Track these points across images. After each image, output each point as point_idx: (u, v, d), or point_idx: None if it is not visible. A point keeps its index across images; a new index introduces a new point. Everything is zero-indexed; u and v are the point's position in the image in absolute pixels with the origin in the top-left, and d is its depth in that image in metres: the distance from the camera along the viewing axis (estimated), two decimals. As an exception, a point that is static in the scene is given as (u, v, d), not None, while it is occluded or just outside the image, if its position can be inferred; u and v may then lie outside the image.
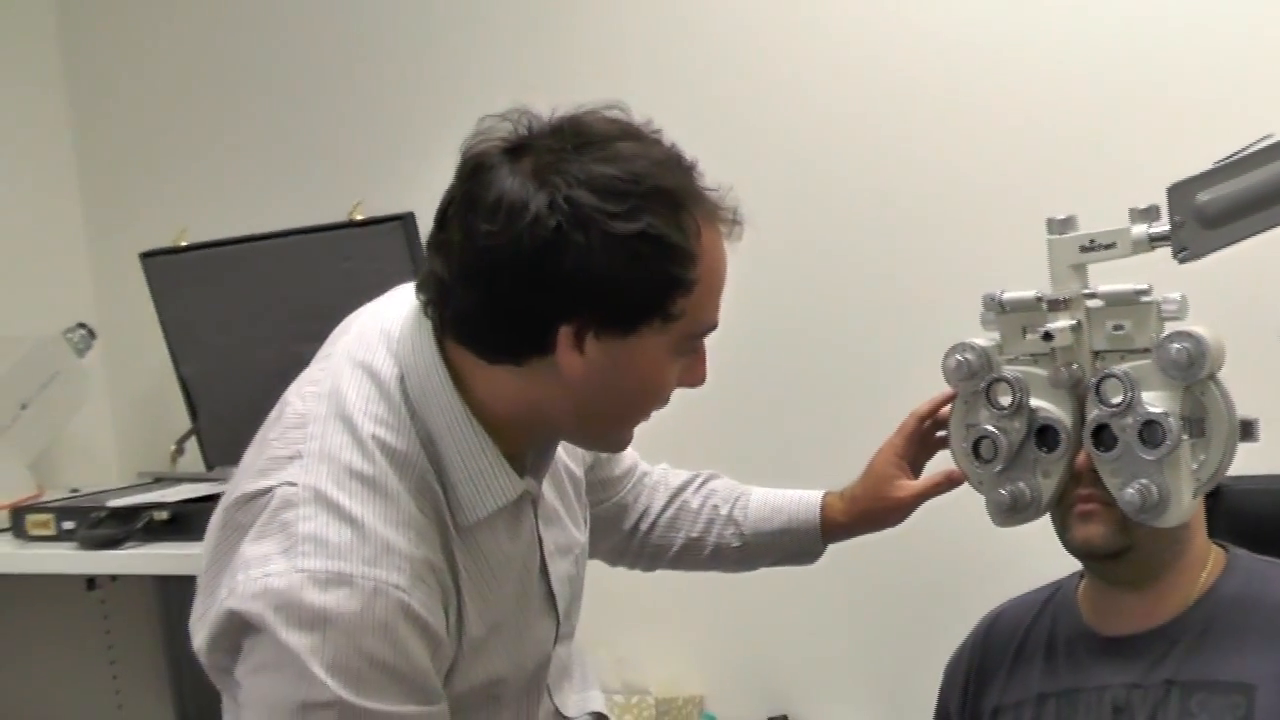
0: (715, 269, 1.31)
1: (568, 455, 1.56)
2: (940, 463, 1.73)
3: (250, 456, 1.38)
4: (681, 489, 1.80)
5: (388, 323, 1.39)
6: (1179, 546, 1.63)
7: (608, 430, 1.41)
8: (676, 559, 1.79)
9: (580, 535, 1.57)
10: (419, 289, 1.34)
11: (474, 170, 1.28)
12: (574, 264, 1.22)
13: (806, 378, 2.52)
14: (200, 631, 1.31)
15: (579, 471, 1.60)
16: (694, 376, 1.38)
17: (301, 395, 1.37)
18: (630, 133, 1.29)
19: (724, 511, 1.77)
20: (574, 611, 1.59)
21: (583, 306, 1.25)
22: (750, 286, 2.41)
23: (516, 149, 1.27)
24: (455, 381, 1.33)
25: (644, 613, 2.49)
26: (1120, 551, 1.60)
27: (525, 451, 1.41)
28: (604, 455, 1.69)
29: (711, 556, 1.78)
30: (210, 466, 2.88)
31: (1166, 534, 1.58)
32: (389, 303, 1.44)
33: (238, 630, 1.25)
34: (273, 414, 1.40)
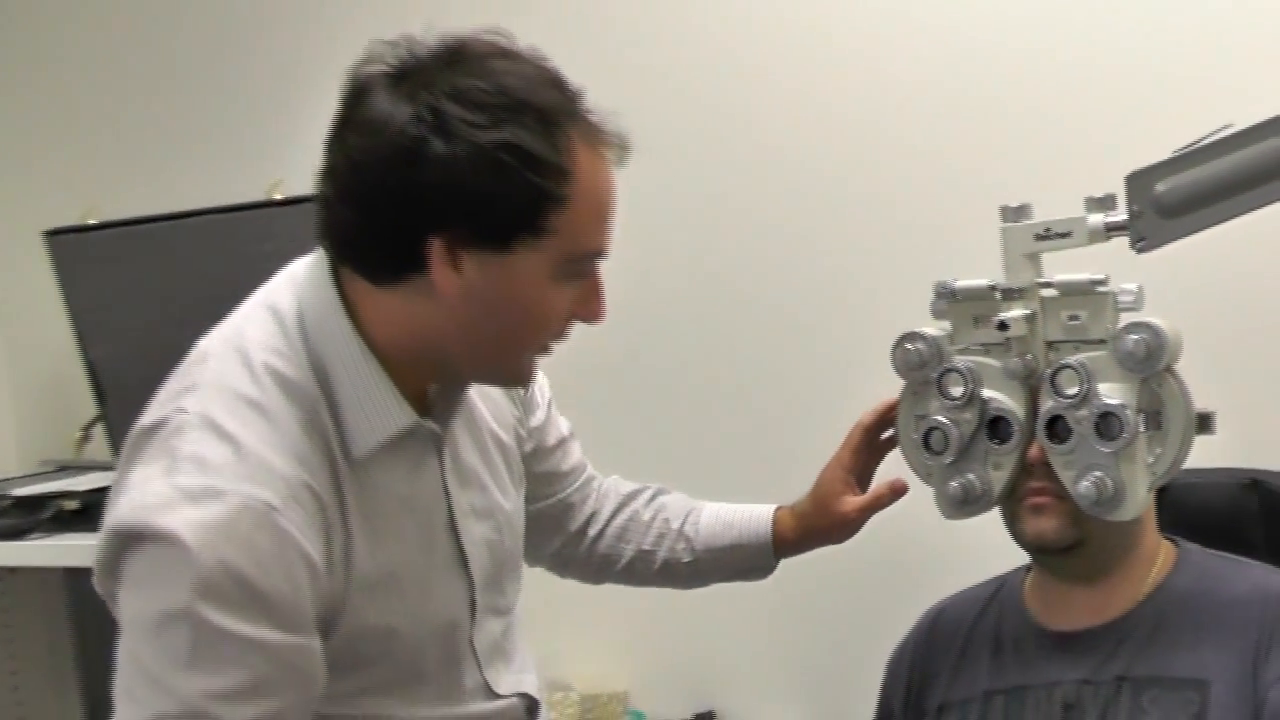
0: (595, 189, 1.31)
1: (496, 422, 1.54)
2: (888, 469, 1.71)
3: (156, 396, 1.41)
4: (631, 497, 1.78)
5: (297, 266, 1.42)
6: (1130, 540, 1.61)
7: (499, 359, 1.39)
8: (625, 571, 1.77)
9: (506, 502, 1.54)
10: (317, 220, 1.35)
11: (356, 94, 1.30)
12: (437, 173, 1.24)
13: (757, 376, 2.47)
14: (95, 560, 1.31)
15: (510, 441, 1.57)
16: (589, 309, 1.38)
17: (209, 337, 1.40)
18: (508, 54, 1.31)
19: (675, 526, 1.75)
20: (504, 584, 1.55)
21: (450, 218, 1.26)
22: (701, 284, 2.43)
23: (398, 75, 1.29)
24: (349, 311, 1.34)
25: (567, 607, 2.41)
26: (1072, 545, 1.59)
27: (428, 392, 1.42)
28: (549, 440, 1.68)
29: (661, 571, 1.76)
30: (118, 453, 2.74)
31: (1119, 528, 1.57)
32: (308, 255, 1.44)
33: (118, 549, 1.26)
34: (190, 354, 1.42)
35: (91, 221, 2.73)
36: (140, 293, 2.68)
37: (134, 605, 1.25)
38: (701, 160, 2.45)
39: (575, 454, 1.75)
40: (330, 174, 1.31)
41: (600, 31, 2.57)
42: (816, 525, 1.71)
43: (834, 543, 1.73)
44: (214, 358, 1.35)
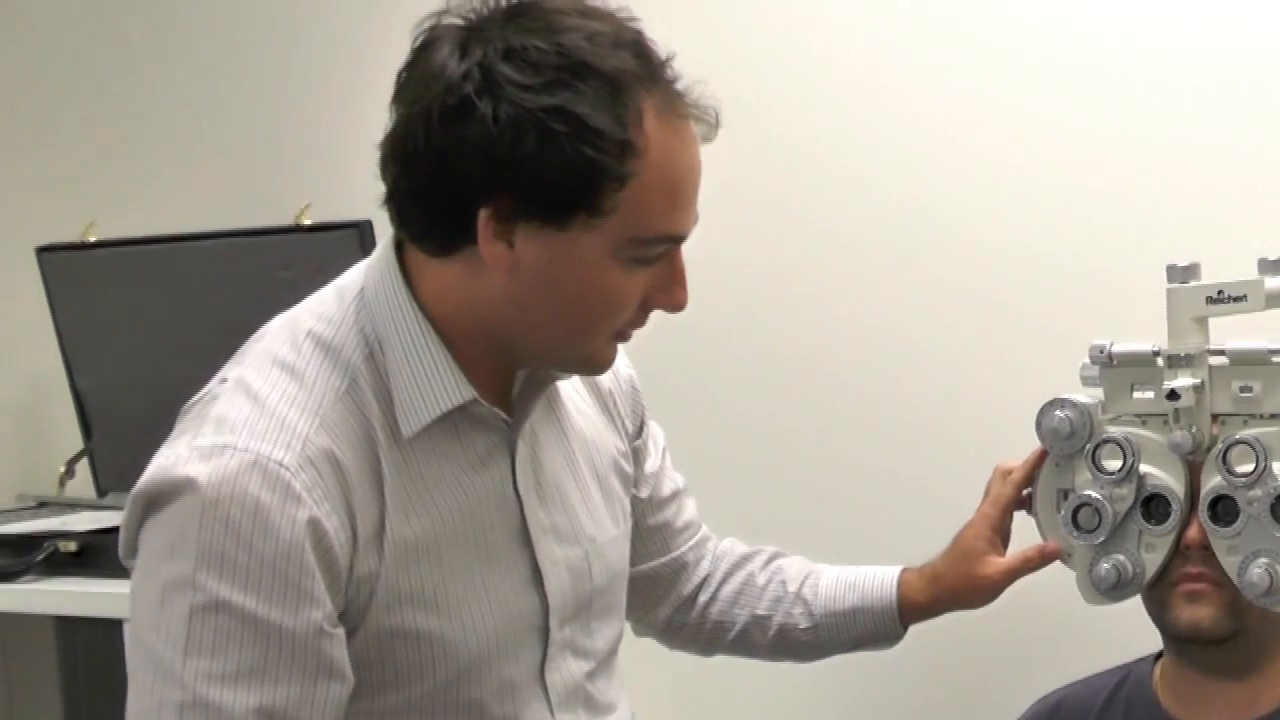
0: (669, 167, 1.21)
1: (596, 450, 1.46)
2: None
3: None
4: (746, 559, 1.68)
5: (377, 250, 1.35)
6: None
7: (564, 342, 1.29)
8: (739, 640, 1.66)
9: (598, 534, 1.43)
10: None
11: (422, 46, 1.23)
12: (480, 136, 1.16)
13: (896, 443, 2.22)
14: (120, 536, 1.27)
15: (609, 472, 1.48)
16: (669, 297, 1.28)
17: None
18: (585, 10, 1.22)
19: (792, 589, 1.64)
20: (593, 623, 1.43)
21: (497, 186, 1.18)
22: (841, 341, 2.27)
23: (468, 28, 1.21)
24: (407, 280, 1.28)
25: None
26: (1229, 637, 1.49)
27: (498, 380, 1.33)
28: (664, 490, 1.60)
29: (777, 639, 1.64)
30: (103, 492, 2.61)
31: (1277, 619, 1.47)
32: None
33: (137, 518, 1.22)
34: None
35: (91, 239, 2.57)
36: (139, 319, 2.53)
37: (141, 578, 1.21)
38: (839, 213, 2.22)
39: (690, 510, 1.66)
40: (388, 133, 1.24)
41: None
42: (953, 587, 1.60)
43: (971, 607, 1.62)
44: (270, 332, 1.31)
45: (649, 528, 1.59)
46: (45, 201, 2.82)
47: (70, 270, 2.58)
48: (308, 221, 2.36)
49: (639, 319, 1.29)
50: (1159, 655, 1.62)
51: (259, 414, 1.21)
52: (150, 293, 2.51)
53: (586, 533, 1.42)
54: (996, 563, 1.57)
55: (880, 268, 2.17)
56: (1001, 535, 1.59)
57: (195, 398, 1.29)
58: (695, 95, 1.23)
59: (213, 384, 1.28)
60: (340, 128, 2.50)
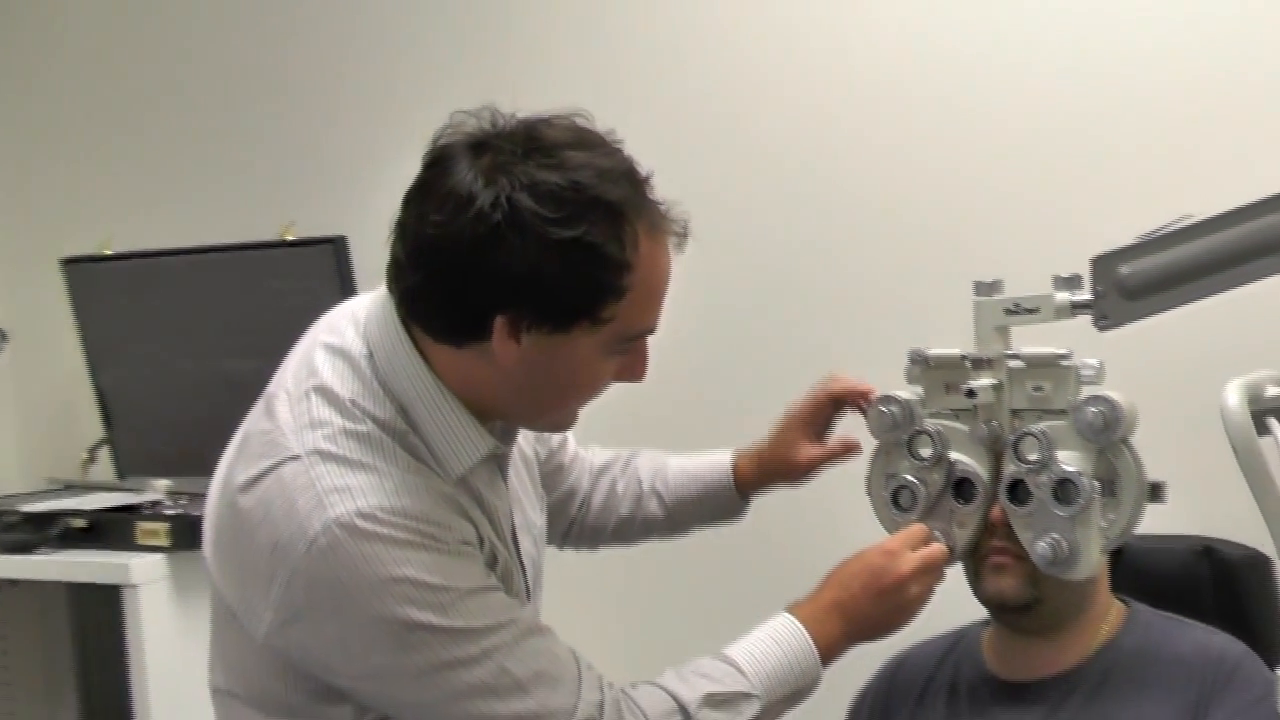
0: (652, 277, 1.39)
1: (524, 440, 1.62)
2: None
3: (236, 446, 1.46)
4: (606, 468, 1.86)
5: (356, 307, 1.48)
6: (1084, 600, 1.69)
7: (546, 415, 1.49)
8: (614, 535, 1.87)
9: (538, 518, 1.63)
10: (387, 270, 1.42)
11: (436, 160, 1.36)
12: (508, 262, 1.31)
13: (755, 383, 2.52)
14: (259, 623, 1.38)
15: (532, 455, 1.66)
16: (633, 373, 1.46)
17: (280, 384, 1.45)
18: (584, 142, 1.37)
19: (646, 487, 1.85)
20: (538, 596, 1.63)
21: (516, 301, 1.33)
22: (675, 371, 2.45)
23: (478, 145, 1.35)
24: (420, 353, 1.41)
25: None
26: (1030, 604, 1.66)
27: (490, 422, 1.47)
28: (554, 443, 1.77)
29: (643, 529, 1.86)
30: (123, 476, 2.86)
31: (1073, 587, 1.64)
32: (361, 295, 1.53)
33: (315, 600, 1.34)
34: (256, 407, 1.47)
35: (108, 251, 2.81)
36: (152, 323, 2.78)
37: (366, 639, 1.35)
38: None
39: (573, 443, 1.83)
40: (403, 235, 1.37)
41: (565, 59, 2.64)
42: (773, 469, 1.81)
43: (791, 484, 1.83)
44: (299, 401, 1.41)
45: (546, 472, 1.73)
46: (68, 218, 3.06)
47: (90, 279, 2.82)
48: (290, 237, 2.59)
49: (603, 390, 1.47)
50: (989, 620, 1.79)
51: (378, 477, 1.36)
52: (160, 299, 2.75)
53: (534, 521, 1.62)
54: (807, 449, 1.79)
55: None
56: (812, 426, 1.79)
57: (252, 473, 1.39)
58: (673, 213, 1.40)
59: (272, 460, 1.38)
60: (319, 154, 2.77)
